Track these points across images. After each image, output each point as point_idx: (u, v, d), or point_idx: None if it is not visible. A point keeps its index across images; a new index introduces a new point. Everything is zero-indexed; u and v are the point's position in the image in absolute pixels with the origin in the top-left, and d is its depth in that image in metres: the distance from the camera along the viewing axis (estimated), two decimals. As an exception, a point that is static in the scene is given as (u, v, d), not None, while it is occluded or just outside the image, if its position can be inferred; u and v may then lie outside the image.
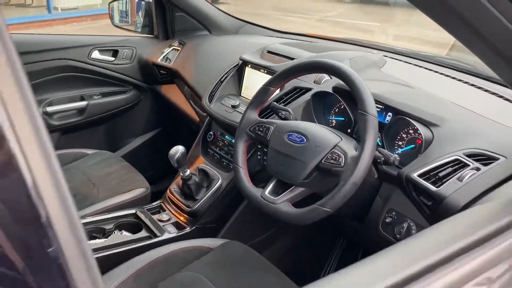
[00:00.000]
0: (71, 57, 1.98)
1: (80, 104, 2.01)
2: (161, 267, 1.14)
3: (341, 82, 1.07)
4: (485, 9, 0.61)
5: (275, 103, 1.29)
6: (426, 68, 1.43)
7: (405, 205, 1.05)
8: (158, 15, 2.13)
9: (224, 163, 1.55)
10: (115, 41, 2.11)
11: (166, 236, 1.36)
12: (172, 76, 2.05)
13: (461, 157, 0.96)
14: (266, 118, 1.25)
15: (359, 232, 1.33)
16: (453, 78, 1.33)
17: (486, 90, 1.23)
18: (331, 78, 1.35)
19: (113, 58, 2.09)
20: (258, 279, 1.14)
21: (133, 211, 1.45)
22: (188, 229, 1.43)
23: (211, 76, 1.67)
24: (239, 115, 1.38)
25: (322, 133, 1.05)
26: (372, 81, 1.22)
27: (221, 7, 2.27)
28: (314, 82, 1.37)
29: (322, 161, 1.01)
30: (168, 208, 1.53)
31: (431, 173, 0.98)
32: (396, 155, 1.02)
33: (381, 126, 1.13)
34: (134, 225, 1.42)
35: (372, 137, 0.96)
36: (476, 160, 0.95)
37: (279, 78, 1.18)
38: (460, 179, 0.93)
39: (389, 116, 1.16)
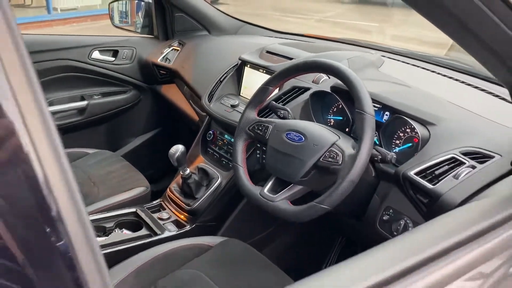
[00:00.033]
0: (71, 57, 1.99)
1: (80, 104, 2.02)
2: (161, 264, 1.16)
3: (339, 81, 1.09)
4: (480, 11, 0.63)
5: (274, 102, 1.31)
6: (423, 68, 1.44)
7: (402, 202, 1.07)
8: (158, 16, 2.14)
9: (224, 162, 1.56)
10: (115, 42, 2.13)
11: (166, 234, 1.38)
12: (172, 76, 2.07)
13: (457, 155, 0.98)
14: (265, 118, 1.27)
15: (356, 229, 1.34)
16: (450, 77, 1.35)
17: (482, 90, 1.25)
18: (329, 77, 1.36)
19: (113, 58, 2.11)
20: (258, 276, 1.15)
21: (133, 209, 1.46)
22: (188, 227, 1.44)
23: (211, 76, 1.68)
24: (238, 115, 1.39)
25: (320, 132, 1.07)
26: (369, 81, 1.23)
27: (221, 7, 2.28)
28: (312, 81, 1.38)
29: (320, 159, 1.03)
30: (168, 207, 1.54)
31: (428, 171, 0.99)
32: (393, 153, 1.03)
33: (379, 125, 1.14)
34: (135, 224, 1.43)
35: (369, 135, 0.97)
36: (472, 158, 0.96)
37: (277, 78, 1.19)
38: (456, 177, 0.94)
39: (386, 115, 1.17)
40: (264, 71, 1.53)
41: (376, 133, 1.14)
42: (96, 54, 2.06)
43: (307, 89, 1.36)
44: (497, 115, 1.08)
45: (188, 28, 2.13)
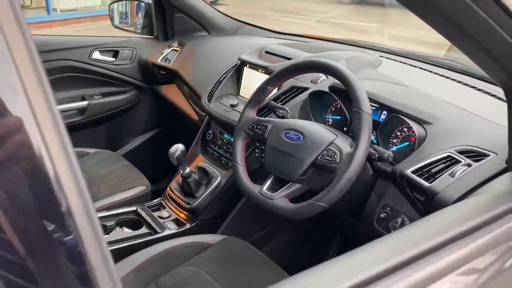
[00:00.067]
0: (72, 58, 2.01)
1: (81, 104, 2.03)
2: (161, 262, 1.17)
3: (337, 81, 1.10)
4: (473, 12, 0.64)
5: (273, 102, 1.32)
6: (421, 68, 1.45)
7: (399, 200, 1.08)
8: (158, 17, 2.15)
9: (223, 161, 1.58)
10: (116, 42, 2.14)
11: (166, 232, 1.39)
12: (171, 76, 2.08)
13: (453, 154, 0.99)
14: (264, 117, 1.28)
15: (354, 227, 1.35)
16: (447, 77, 1.36)
17: (479, 89, 1.26)
18: (327, 77, 1.38)
19: (114, 59, 2.12)
20: (257, 274, 1.16)
21: (133, 208, 1.48)
22: (188, 226, 1.46)
23: (210, 76, 1.70)
24: (237, 114, 1.40)
25: (318, 131, 1.08)
26: (367, 81, 1.25)
27: (220, 8, 2.30)
28: (311, 81, 1.39)
29: (318, 157, 1.04)
30: (168, 205, 1.55)
31: (424, 170, 1.00)
32: (390, 152, 1.05)
33: (376, 124, 1.16)
34: (135, 222, 1.45)
35: (366, 134, 0.99)
36: (468, 157, 0.98)
37: (276, 78, 1.20)
38: (452, 175, 0.96)
39: (384, 114, 1.19)
40: (263, 71, 1.54)
41: (373, 132, 1.15)
42: (96, 55, 2.08)
43: (305, 89, 1.37)
44: (492, 114, 1.09)
45: (188, 29, 2.15)
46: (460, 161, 0.97)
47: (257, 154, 1.41)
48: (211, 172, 1.54)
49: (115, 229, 1.40)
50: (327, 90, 1.30)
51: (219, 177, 1.51)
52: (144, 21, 2.20)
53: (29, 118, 0.30)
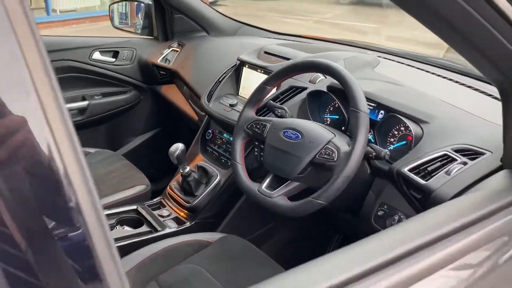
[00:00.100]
0: (72, 58, 2.02)
1: (81, 104, 2.04)
2: (162, 260, 1.18)
3: (335, 81, 1.12)
4: (467, 13, 0.65)
5: (271, 101, 1.34)
6: (418, 68, 1.47)
7: (396, 198, 1.09)
8: (158, 17, 2.16)
9: (223, 160, 1.59)
10: (116, 43, 2.15)
11: (166, 230, 1.40)
12: (171, 76, 2.09)
13: (449, 152, 1.01)
14: (263, 116, 1.30)
15: (352, 225, 1.37)
16: (444, 77, 1.38)
17: (475, 89, 1.28)
18: (325, 77, 1.39)
19: (114, 59, 2.13)
20: (256, 272, 1.17)
21: (134, 207, 1.49)
22: (187, 224, 1.47)
23: (210, 76, 1.71)
24: (237, 114, 1.42)
25: (316, 130, 1.10)
26: (365, 80, 1.27)
27: (219, 9, 2.31)
28: (309, 81, 1.41)
29: (316, 156, 1.06)
30: (168, 204, 1.57)
31: (421, 168, 1.02)
32: (387, 150, 1.06)
33: (374, 123, 1.17)
34: (135, 221, 1.46)
35: (363, 133, 1.00)
36: (464, 155, 0.99)
37: (275, 78, 1.22)
38: (448, 173, 0.97)
39: (381, 114, 1.20)
40: (262, 71, 1.55)
41: (371, 131, 1.17)
42: (96, 55, 2.09)
43: (304, 88, 1.39)
44: (487, 113, 1.11)
45: (188, 29, 2.16)
46: (456, 160, 0.99)
47: (256, 153, 1.43)
48: (211, 171, 1.55)
49: (116, 228, 1.42)
50: (325, 89, 1.31)
51: (218, 176, 1.52)
52: (144, 21, 2.21)
53: (40, 117, 0.31)
